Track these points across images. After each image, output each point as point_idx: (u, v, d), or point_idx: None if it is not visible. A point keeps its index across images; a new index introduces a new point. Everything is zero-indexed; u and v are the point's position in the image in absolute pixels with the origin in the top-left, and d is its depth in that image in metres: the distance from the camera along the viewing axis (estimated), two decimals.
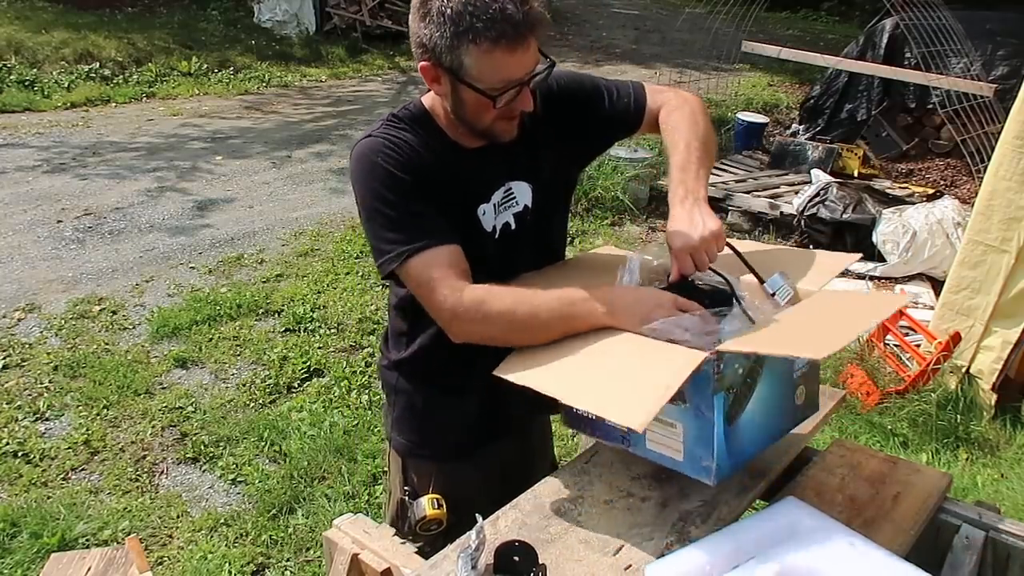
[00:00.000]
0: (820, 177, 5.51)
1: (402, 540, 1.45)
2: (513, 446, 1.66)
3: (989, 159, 3.23)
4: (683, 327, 1.22)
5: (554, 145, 1.51)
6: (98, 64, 8.72)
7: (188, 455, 3.11)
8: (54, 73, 8.41)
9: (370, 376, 3.61)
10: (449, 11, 1.22)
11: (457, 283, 1.33)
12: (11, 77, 8.07)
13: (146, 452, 3.13)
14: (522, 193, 1.49)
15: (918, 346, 3.52)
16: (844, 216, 4.76)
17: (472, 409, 1.56)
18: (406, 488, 1.60)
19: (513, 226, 1.48)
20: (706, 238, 1.29)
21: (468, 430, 1.58)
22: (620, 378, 1.20)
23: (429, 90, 1.41)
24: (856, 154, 6.25)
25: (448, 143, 1.42)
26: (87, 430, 3.20)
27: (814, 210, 4.90)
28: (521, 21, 1.23)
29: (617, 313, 1.28)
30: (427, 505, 1.47)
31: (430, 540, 1.46)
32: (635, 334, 1.25)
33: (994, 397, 3.31)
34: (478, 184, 1.44)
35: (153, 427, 3.26)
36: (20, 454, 3.07)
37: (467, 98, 1.31)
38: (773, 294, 1.32)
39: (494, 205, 1.46)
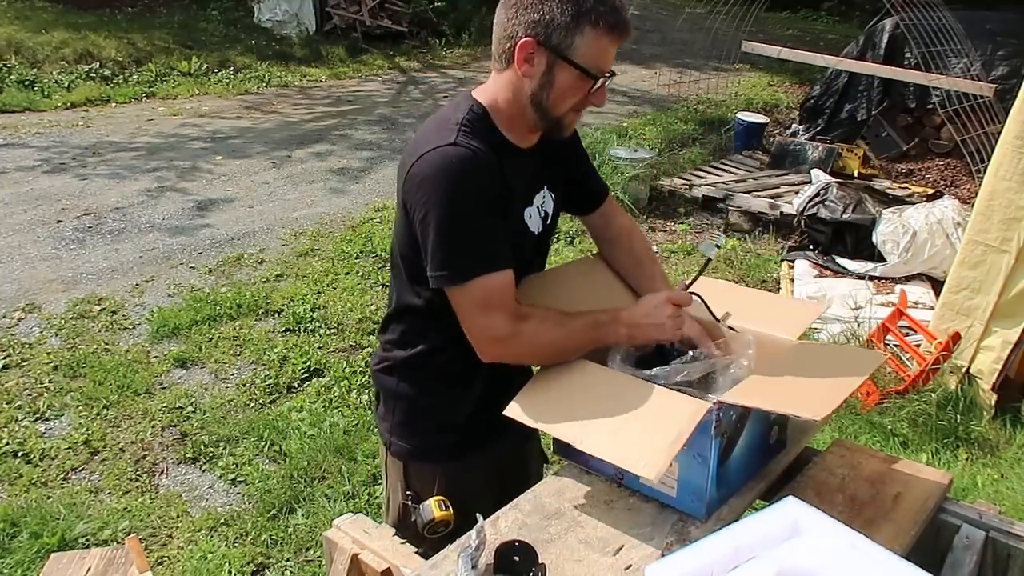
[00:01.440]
0: (820, 177, 5.50)
1: (416, 549, 1.44)
2: (512, 444, 1.66)
3: (989, 159, 3.23)
4: (680, 374, 1.38)
5: (563, 168, 1.61)
6: (98, 64, 8.72)
7: (188, 455, 3.11)
8: (54, 73, 8.40)
9: (370, 376, 3.60)
10: None
11: (512, 311, 1.38)
12: (11, 77, 8.06)
13: (146, 452, 3.13)
14: (548, 201, 1.56)
15: (918, 346, 3.52)
16: (844, 216, 4.75)
17: (474, 404, 1.56)
18: (408, 493, 1.59)
19: (539, 231, 1.55)
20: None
21: (470, 428, 1.58)
22: (632, 426, 1.26)
23: (475, 87, 1.46)
24: (856, 154, 6.24)
25: (505, 143, 1.44)
26: (87, 430, 3.20)
27: (814, 210, 4.89)
28: (627, 20, 1.36)
29: (635, 333, 1.43)
30: (434, 507, 1.46)
31: (438, 542, 1.43)
32: (639, 380, 1.35)
33: (994, 397, 3.31)
34: (529, 186, 1.50)
35: (153, 427, 3.26)
36: (20, 454, 3.07)
37: (560, 80, 1.35)
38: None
39: (536, 208, 1.52)
